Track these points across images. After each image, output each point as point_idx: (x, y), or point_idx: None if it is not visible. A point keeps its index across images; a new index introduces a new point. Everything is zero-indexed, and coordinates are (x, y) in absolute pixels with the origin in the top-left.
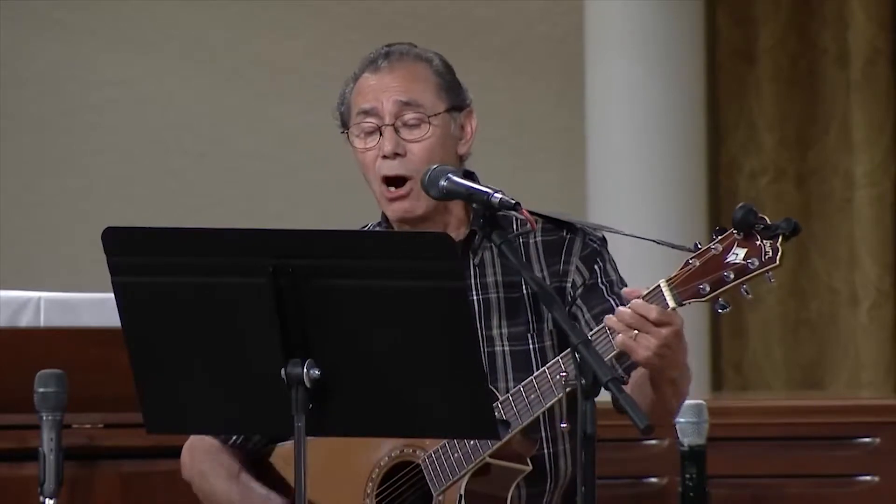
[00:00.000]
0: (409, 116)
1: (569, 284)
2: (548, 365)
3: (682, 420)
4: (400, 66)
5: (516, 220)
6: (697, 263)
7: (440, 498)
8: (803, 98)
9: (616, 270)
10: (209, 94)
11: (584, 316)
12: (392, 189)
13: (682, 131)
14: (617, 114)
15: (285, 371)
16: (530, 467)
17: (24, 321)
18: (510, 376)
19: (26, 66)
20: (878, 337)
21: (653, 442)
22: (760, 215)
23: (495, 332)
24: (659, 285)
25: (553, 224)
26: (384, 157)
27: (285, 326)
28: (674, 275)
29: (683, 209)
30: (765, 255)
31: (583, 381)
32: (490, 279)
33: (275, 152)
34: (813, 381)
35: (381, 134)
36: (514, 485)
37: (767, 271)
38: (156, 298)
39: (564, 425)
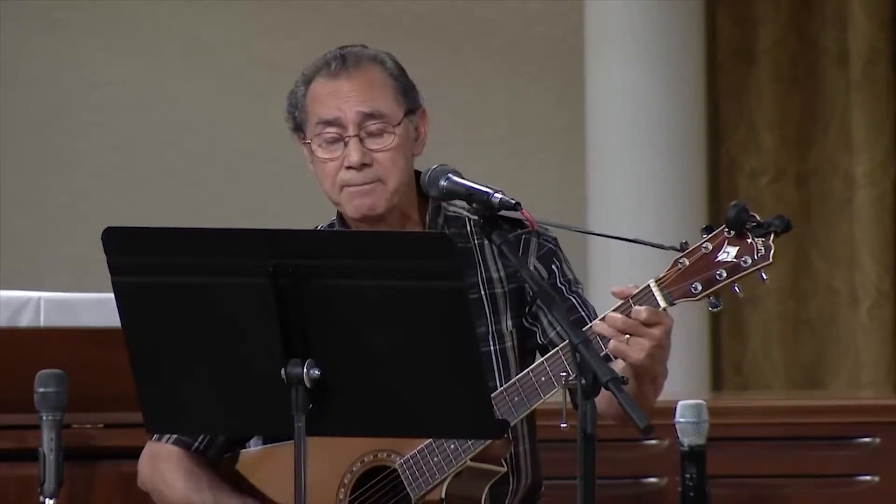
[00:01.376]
0: (373, 126)
1: (528, 285)
2: (531, 367)
3: (682, 420)
4: (357, 72)
5: (469, 220)
6: (687, 262)
7: (420, 503)
8: (803, 98)
9: (571, 269)
10: (209, 94)
11: (546, 316)
12: (355, 186)
13: (682, 131)
14: (617, 114)
15: (285, 371)
16: (505, 468)
17: (24, 321)
18: None
19: (26, 66)
20: (878, 337)
21: (653, 442)
22: (752, 213)
23: None
24: (648, 285)
25: (508, 224)
26: (349, 167)
27: (285, 326)
28: (663, 275)
29: (683, 209)
30: (757, 252)
31: (583, 381)
32: None
33: (275, 152)
34: (813, 381)
35: (345, 144)
36: (488, 486)
37: (760, 269)
38: (156, 298)
39: (564, 425)
